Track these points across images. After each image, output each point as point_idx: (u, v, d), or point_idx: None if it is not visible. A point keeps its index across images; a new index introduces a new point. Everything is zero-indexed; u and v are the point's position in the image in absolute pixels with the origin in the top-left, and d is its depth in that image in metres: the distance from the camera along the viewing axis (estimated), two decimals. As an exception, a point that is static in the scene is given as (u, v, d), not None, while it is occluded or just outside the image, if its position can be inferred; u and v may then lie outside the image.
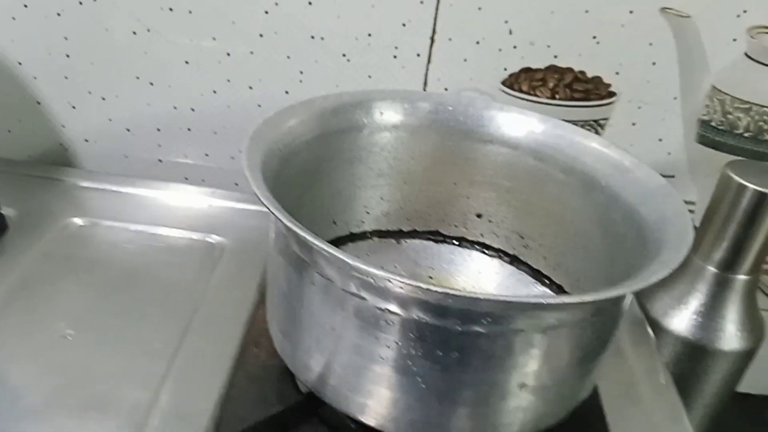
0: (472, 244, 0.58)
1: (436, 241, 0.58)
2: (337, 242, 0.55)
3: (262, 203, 0.36)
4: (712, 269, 0.61)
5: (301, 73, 0.68)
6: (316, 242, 0.34)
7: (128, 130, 0.72)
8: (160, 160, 0.73)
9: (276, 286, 0.43)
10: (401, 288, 0.34)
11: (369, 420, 0.40)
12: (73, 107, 0.71)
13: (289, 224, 0.35)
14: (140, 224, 0.63)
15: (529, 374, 0.38)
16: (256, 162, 0.40)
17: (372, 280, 0.35)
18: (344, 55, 0.66)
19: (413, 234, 0.58)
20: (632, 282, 0.36)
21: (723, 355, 0.62)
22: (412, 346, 0.36)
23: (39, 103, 0.71)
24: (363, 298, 0.36)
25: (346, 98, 0.50)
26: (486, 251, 0.57)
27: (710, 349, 0.62)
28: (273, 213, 0.35)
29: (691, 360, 0.63)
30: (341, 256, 0.34)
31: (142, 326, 0.52)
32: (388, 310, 0.36)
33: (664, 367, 0.56)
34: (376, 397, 0.39)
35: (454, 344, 0.36)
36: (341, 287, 0.37)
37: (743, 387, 0.68)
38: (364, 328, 0.37)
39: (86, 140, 0.73)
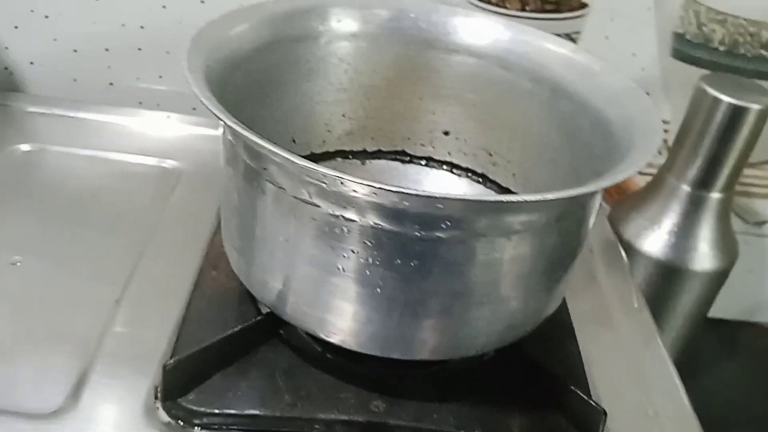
0: (440, 164, 0.56)
1: (403, 162, 0.56)
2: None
3: (213, 114, 0.33)
4: (685, 188, 0.60)
5: (257, -15, 0.64)
6: (263, 143, 0.32)
7: (75, 51, 0.68)
8: (111, 84, 0.70)
9: (228, 201, 0.41)
10: (355, 190, 0.32)
11: (329, 336, 0.39)
12: (16, 27, 0.67)
13: (232, 124, 0.32)
14: (91, 149, 0.60)
15: (492, 283, 0.37)
16: (198, 65, 0.37)
17: (324, 184, 0.33)
18: (302, -34, 0.62)
19: (378, 154, 0.56)
20: (596, 181, 0.34)
21: (695, 275, 0.62)
22: (369, 254, 0.34)
23: (-22, 23, 0.67)
24: (316, 205, 0.34)
25: (299, 3, 0.47)
26: (454, 170, 0.56)
27: (683, 270, 0.61)
28: (214, 113, 0.33)
29: (663, 281, 0.63)
30: (290, 157, 0.31)
31: (94, 252, 0.50)
32: (343, 216, 0.34)
33: (638, 290, 0.56)
34: (335, 310, 0.37)
35: (413, 251, 0.34)
36: (293, 194, 0.35)
37: (716, 312, 0.68)
38: (319, 237, 0.35)
39: (31, 63, 0.69)
